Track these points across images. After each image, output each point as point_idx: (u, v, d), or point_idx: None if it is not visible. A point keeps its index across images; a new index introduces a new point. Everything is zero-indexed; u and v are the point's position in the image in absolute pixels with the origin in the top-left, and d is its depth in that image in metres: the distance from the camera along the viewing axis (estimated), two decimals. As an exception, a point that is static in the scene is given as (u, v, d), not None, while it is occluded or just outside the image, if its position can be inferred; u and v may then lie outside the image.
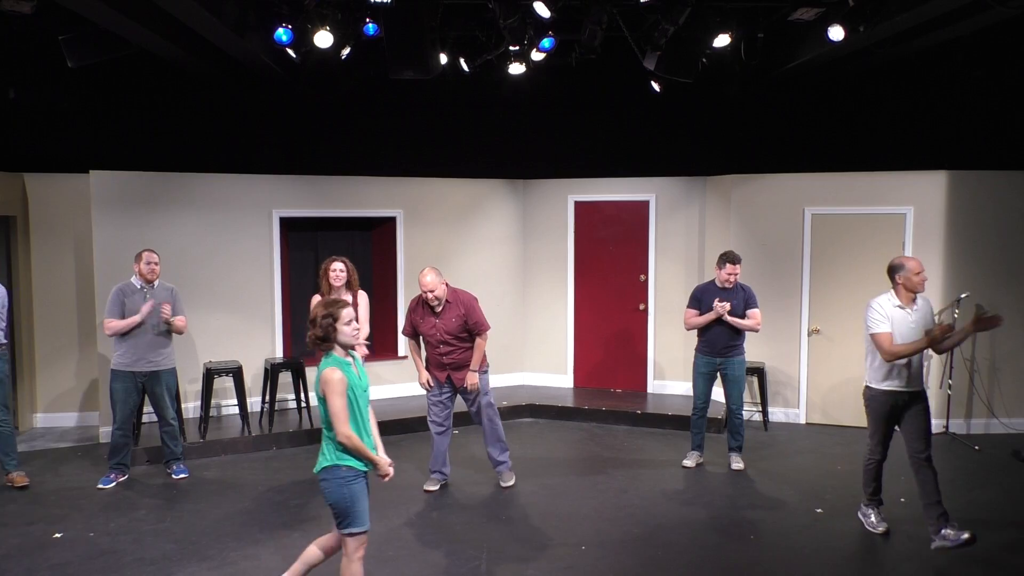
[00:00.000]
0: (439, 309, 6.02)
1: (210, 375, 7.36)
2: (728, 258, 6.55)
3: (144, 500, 6.03)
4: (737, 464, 6.74)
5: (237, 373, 7.48)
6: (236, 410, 7.70)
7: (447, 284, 6.06)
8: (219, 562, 4.95)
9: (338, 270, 6.56)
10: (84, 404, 8.02)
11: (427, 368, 6.22)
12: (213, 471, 6.71)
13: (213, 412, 7.75)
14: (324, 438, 3.94)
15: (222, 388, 7.80)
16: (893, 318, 5.04)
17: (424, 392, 6.30)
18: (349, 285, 6.59)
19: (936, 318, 5.32)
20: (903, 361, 5.04)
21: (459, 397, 6.26)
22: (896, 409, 5.16)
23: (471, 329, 6.03)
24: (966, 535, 4.84)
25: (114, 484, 6.30)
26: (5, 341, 6.19)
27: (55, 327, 7.84)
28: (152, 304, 6.19)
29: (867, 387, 5.24)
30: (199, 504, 5.94)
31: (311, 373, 7.02)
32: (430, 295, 5.91)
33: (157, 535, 5.35)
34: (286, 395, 7.99)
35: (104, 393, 7.51)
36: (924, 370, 5.38)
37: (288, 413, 7.96)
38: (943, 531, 4.93)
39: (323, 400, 3.84)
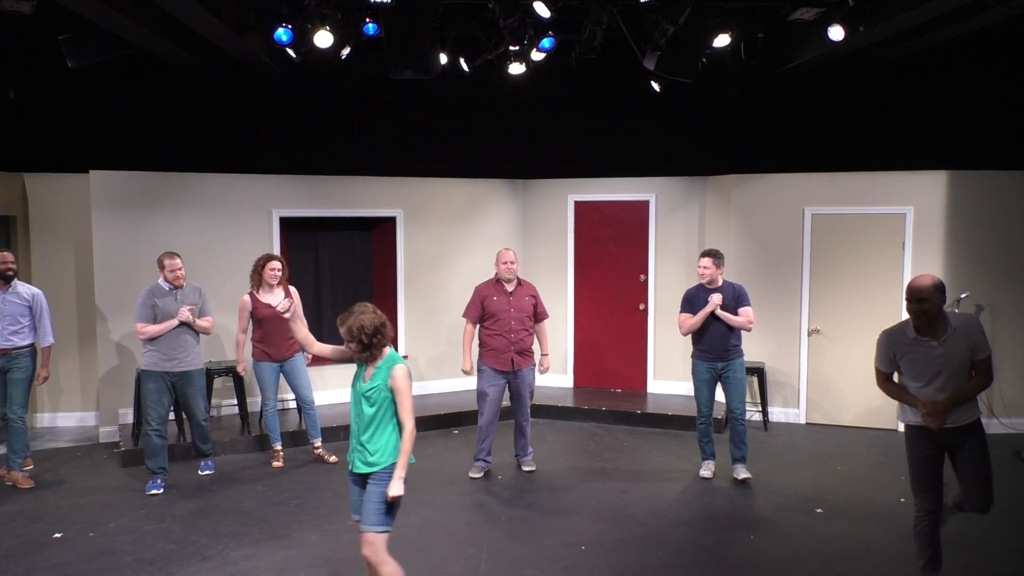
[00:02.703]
0: (511, 289, 6.52)
1: (210, 375, 7.36)
2: (702, 252, 6.42)
3: (144, 500, 6.03)
4: (743, 475, 6.42)
5: (237, 373, 7.47)
6: (236, 410, 7.70)
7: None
8: (219, 562, 4.95)
9: (276, 269, 6.66)
10: (84, 404, 8.03)
11: (486, 357, 6.52)
12: (213, 471, 6.71)
13: (213, 412, 7.74)
14: (383, 433, 3.97)
15: (222, 388, 7.80)
16: (905, 360, 4.24)
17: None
18: (279, 282, 6.72)
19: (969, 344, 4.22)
20: (933, 393, 4.20)
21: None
22: (938, 451, 4.31)
23: (538, 314, 6.64)
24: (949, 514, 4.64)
25: (163, 489, 6.21)
26: (29, 342, 6.30)
27: (55, 327, 7.82)
28: (187, 314, 6.19)
29: (905, 425, 4.45)
30: (199, 504, 5.94)
31: (310, 373, 7.04)
32: (511, 266, 6.50)
33: (157, 535, 5.35)
34: (286, 395, 7.99)
35: (105, 393, 7.56)
36: (984, 396, 4.56)
37: (288, 413, 7.96)
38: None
39: (393, 393, 3.93)
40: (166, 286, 6.26)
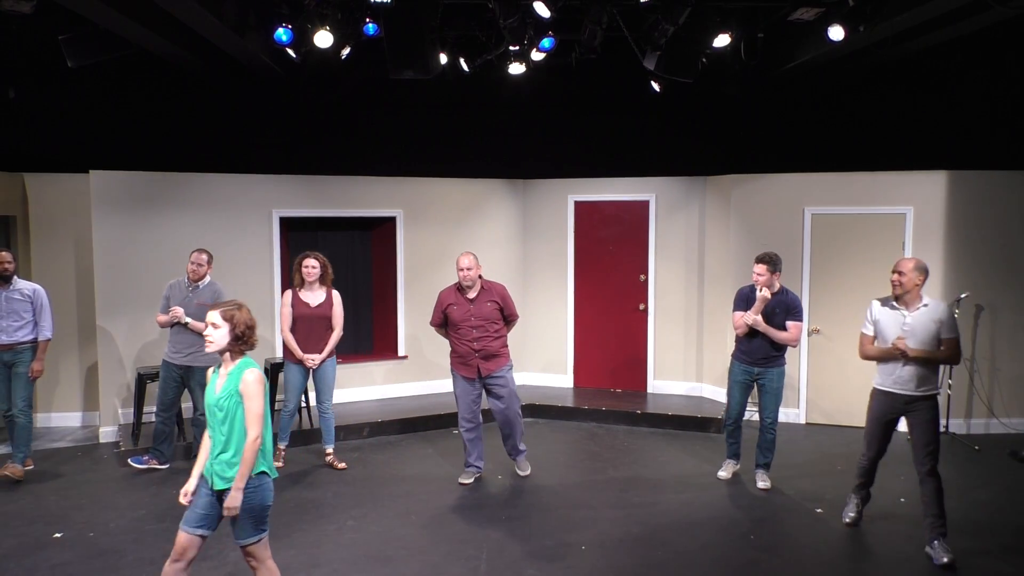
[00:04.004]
0: (472, 295, 6.22)
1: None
2: (756, 258, 6.12)
3: (144, 500, 6.03)
4: (764, 483, 6.27)
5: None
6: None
7: (481, 275, 6.32)
8: (219, 562, 4.95)
9: (310, 266, 6.66)
10: (85, 404, 8.02)
11: (454, 363, 6.37)
12: (213, 471, 6.71)
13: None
14: (241, 445, 3.74)
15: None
16: (880, 320, 5.04)
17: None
18: (323, 280, 6.69)
19: (938, 324, 4.93)
20: (894, 361, 4.98)
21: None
22: (892, 412, 5.09)
23: (506, 316, 6.37)
24: (945, 559, 4.80)
25: (145, 467, 6.55)
26: (33, 337, 6.40)
27: (55, 327, 7.83)
28: (176, 312, 6.38)
29: (873, 388, 5.21)
30: (199, 504, 5.93)
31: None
32: (468, 272, 6.15)
33: (157, 535, 5.34)
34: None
35: (105, 393, 7.57)
36: (940, 373, 5.20)
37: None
38: (934, 543, 4.92)
39: (243, 400, 3.72)
40: (185, 280, 6.52)
